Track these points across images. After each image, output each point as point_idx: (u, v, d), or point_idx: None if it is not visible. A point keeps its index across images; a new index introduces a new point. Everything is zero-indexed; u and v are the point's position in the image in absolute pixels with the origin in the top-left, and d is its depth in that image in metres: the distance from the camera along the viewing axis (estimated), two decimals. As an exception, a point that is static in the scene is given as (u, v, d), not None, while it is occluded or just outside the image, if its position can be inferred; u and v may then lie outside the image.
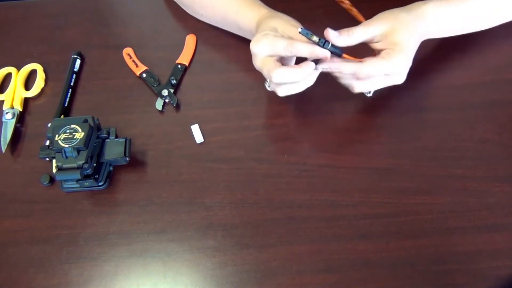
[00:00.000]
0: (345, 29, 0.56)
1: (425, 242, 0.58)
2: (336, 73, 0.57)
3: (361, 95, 0.63)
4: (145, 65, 0.73)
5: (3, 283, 0.58)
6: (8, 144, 0.67)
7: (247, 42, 0.67)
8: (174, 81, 0.71)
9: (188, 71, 0.73)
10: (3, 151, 0.67)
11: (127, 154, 0.61)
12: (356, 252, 0.58)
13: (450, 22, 0.63)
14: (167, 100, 0.69)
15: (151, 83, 0.71)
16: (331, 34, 0.54)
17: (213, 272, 0.58)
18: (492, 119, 0.66)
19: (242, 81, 0.71)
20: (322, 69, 0.56)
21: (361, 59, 0.55)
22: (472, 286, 0.55)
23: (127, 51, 0.74)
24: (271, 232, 0.60)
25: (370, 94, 0.60)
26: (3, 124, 0.68)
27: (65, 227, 0.61)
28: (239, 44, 0.72)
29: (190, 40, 0.75)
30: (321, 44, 0.53)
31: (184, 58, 0.73)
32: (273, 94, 0.70)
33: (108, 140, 0.63)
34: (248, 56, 0.68)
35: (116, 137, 0.64)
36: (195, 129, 0.67)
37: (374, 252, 0.58)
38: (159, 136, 0.67)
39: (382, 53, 0.56)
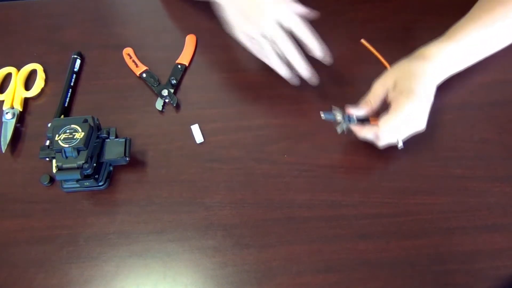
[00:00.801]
0: (363, 101, 0.60)
1: (425, 242, 0.58)
2: (362, 137, 0.61)
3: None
4: (145, 65, 0.73)
5: (3, 283, 0.58)
6: (8, 144, 0.67)
7: (247, 42, 0.68)
8: (174, 81, 0.71)
9: (188, 71, 0.73)
10: (3, 151, 0.67)
11: (127, 154, 0.61)
12: (356, 252, 0.58)
13: (457, 56, 0.63)
14: (167, 100, 0.69)
15: (151, 83, 0.71)
16: (352, 110, 0.59)
17: (213, 272, 0.58)
18: (492, 119, 0.66)
19: (242, 81, 0.71)
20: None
21: (379, 122, 0.57)
22: (472, 286, 0.55)
23: (127, 51, 0.74)
24: (271, 232, 0.60)
25: (400, 145, 0.60)
26: (3, 124, 0.68)
27: (65, 227, 0.61)
28: (239, 44, 0.72)
29: (190, 40, 0.75)
30: (347, 121, 0.59)
31: (184, 58, 0.73)
32: (273, 94, 0.70)
33: (108, 140, 0.63)
34: (248, 56, 0.68)
35: (116, 137, 0.64)
36: (195, 129, 0.67)
37: (374, 252, 0.58)
38: (159, 136, 0.67)
39: (392, 104, 0.58)
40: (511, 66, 0.66)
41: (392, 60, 0.72)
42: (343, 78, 0.70)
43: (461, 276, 0.56)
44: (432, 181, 0.62)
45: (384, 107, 0.60)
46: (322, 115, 0.58)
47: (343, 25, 0.75)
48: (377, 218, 0.60)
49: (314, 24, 0.76)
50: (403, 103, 0.57)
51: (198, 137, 0.66)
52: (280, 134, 0.66)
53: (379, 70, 0.68)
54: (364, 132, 0.59)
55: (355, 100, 0.64)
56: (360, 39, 0.70)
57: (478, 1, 0.66)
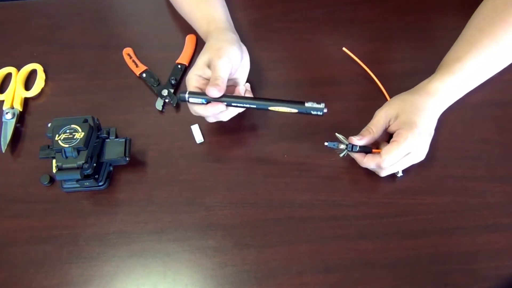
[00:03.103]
0: (364, 130, 0.61)
1: (425, 242, 0.58)
2: (364, 166, 0.61)
3: (364, 95, 0.63)
4: (145, 65, 0.73)
5: (3, 283, 0.58)
6: (8, 144, 0.67)
7: (246, 42, 0.67)
8: (174, 81, 0.71)
9: (188, 71, 0.73)
10: (3, 151, 0.67)
11: (127, 154, 0.61)
12: (356, 252, 0.58)
13: (460, 87, 0.63)
14: (167, 100, 0.69)
15: (151, 83, 0.71)
16: (355, 141, 0.59)
17: (213, 272, 0.58)
18: (492, 119, 0.66)
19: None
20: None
21: (381, 152, 0.58)
22: (472, 286, 0.55)
23: (127, 51, 0.74)
24: (271, 232, 0.60)
25: (400, 174, 0.61)
26: (3, 124, 0.68)
27: (65, 227, 0.61)
28: (239, 44, 0.72)
29: (190, 40, 0.75)
30: (350, 149, 0.59)
31: (184, 58, 0.73)
32: (272, 94, 0.70)
33: (108, 140, 0.63)
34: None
35: (116, 137, 0.64)
36: (195, 129, 0.67)
37: (374, 252, 0.58)
38: (159, 136, 0.67)
39: (394, 135, 0.59)
40: (511, 66, 0.65)
41: (392, 60, 0.72)
42: (343, 78, 0.70)
43: (461, 276, 0.56)
44: (432, 181, 0.62)
45: (383, 137, 0.61)
46: (326, 143, 0.60)
47: (343, 25, 0.75)
48: (377, 218, 0.60)
49: (314, 24, 0.76)
50: (406, 135, 0.57)
51: (198, 137, 0.66)
52: (280, 134, 0.66)
53: (379, 70, 0.68)
54: (366, 161, 0.59)
55: (356, 98, 0.64)
56: (360, 39, 0.70)
57: (474, 19, 0.66)
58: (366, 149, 0.59)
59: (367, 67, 0.68)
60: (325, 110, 0.57)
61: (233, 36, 0.64)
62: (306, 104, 0.58)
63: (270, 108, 0.59)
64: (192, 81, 0.61)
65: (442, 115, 0.64)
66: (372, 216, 0.60)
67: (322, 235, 0.59)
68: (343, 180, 0.63)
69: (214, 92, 0.58)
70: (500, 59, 0.64)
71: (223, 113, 0.61)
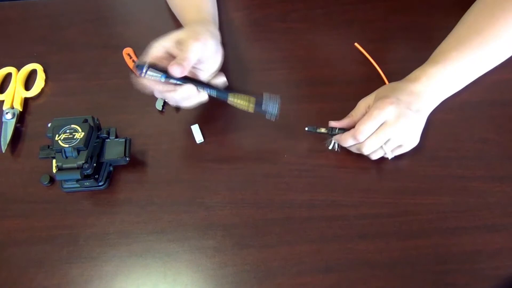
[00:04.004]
0: (346, 117, 0.63)
1: (425, 242, 0.58)
2: (344, 145, 0.61)
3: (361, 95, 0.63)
4: (145, 65, 0.73)
5: (3, 283, 0.58)
6: (8, 144, 0.67)
7: (246, 42, 0.67)
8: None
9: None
10: (3, 151, 0.67)
11: (127, 154, 0.61)
12: (356, 252, 0.58)
13: (441, 79, 0.62)
14: (167, 100, 0.69)
15: (151, 83, 0.71)
16: (333, 123, 0.62)
17: (213, 272, 0.58)
18: (492, 119, 0.66)
19: (242, 81, 0.71)
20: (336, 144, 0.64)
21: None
22: (472, 286, 0.55)
23: (127, 51, 0.74)
24: (271, 232, 0.60)
25: (390, 157, 0.61)
26: (3, 124, 0.68)
27: (65, 227, 0.61)
28: (238, 44, 0.72)
29: (190, 40, 0.75)
30: (330, 132, 0.61)
31: (184, 58, 0.73)
32: (272, 93, 0.70)
33: (108, 140, 0.63)
34: (247, 56, 0.68)
35: (116, 137, 0.64)
36: (195, 129, 0.67)
37: (374, 252, 0.58)
38: (159, 136, 0.67)
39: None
40: (511, 66, 0.65)
41: (392, 60, 0.72)
42: (343, 78, 0.70)
43: (461, 276, 0.56)
44: (432, 181, 0.62)
45: None
46: (306, 128, 0.62)
47: (343, 25, 0.75)
48: (377, 218, 0.60)
49: (315, 24, 0.76)
50: (376, 105, 0.58)
51: (198, 137, 0.66)
52: (280, 134, 0.66)
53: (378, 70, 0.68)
54: (344, 137, 0.60)
55: (356, 98, 0.64)
56: (360, 39, 0.70)
57: (467, 16, 0.65)
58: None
59: (367, 67, 0.68)
60: (276, 110, 0.59)
61: (217, 33, 0.64)
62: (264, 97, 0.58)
63: (229, 97, 0.59)
64: (155, 50, 0.58)
65: (443, 115, 0.64)
66: (372, 216, 0.60)
67: (322, 235, 0.59)
68: (343, 180, 0.63)
69: (177, 71, 0.55)
70: (490, 58, 0.64)
71: (190, 99, 0.59)
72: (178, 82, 0.57)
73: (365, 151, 0.59)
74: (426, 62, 0.64)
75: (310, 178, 0.63)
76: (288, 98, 0.69)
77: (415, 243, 0.58)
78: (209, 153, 0.66)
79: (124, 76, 0.72)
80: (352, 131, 0.59)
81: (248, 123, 0.67)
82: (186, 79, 0.58)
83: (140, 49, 0.74)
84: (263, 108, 0.59)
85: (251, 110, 0.59)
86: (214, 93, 0.60)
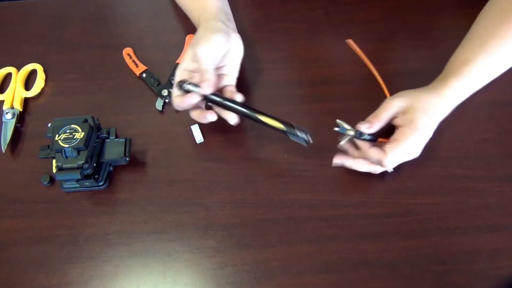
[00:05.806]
0: (372, 116, 0.60)
1: (425, 242, 0.58)
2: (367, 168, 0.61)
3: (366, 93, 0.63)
4: (145, 65, 0.73)
5: (3, 283, 0.58)
6: (8, 144, 0.67)
7: (246, 42, 0.67)
8: (174, 81, 0.71)
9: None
10: (3, 151, 0.67)
11: (127, 154, 0.61)
12: (356, 252, 0.58)
13: (468, 92, 0.63)
14: (167, 100, 0.69)
15: (151, 83, 0.71)
16: (363, 127, 0.58)
17: (213, 272, 0.58)
18: (492, 119, 0.66)
19: (242, 80, 0.71)
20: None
21: (385, 149, 0.58)
22: (472, 286, 0.55)
23: (127, 51, 0.74)
24: (271, 232, 0.60)
25: (391, 171, 0.61)
26: (3, 124, 0.68)
27: (65, 227, 0.61)
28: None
29: (190, 40, 0.75)
30: (358, 136, 0.58)
31: (184, 58, 0.73)
32: (272, 94, 0.70)
33: (108, 140, 0.63)
34: (247, 56, 0.68)
35: (116, 137, 0.64)
36: (195, 129, 0.67)
37: (374, 252, 0.58)
38: (159, 136, 0.67)
39: (398, 133, 0.59)
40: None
41: (392, 60, 0.72)
42: (343, 78, 0.70)
43: (461, 276, 0.56)
44: (432, 181, 0.62)
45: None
46: (336, 128, 0.58)
47: (343, 25, 0.75)
48: (377, 218, 0.60)
49: (315, 25, 0.76)
50: (410, 135, 0.57)
51: (198, 137, 0.66)
52: (280, 134, 0.66)
53: (379, 70, 0.68)
54: (371, 152, 0.58)
55: (356, 98, 0.64)
56: (360, 39, 0.70)
57: (481, 19, 0.65)
58: (372, 137, 0.59)
59: (368, 67, 0.68)
60: (310, 141, 0.59)
61: (220, 25, 0.63)
62: (296, 130, 0.59)
63: (259, 117, 0.60)
64: (180, 75, 0.62)
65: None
66: (372, 216, 0.60)
67: (322, 235, 0.59)
68: (343, 180, 0.63)
69: (205, 88, 0.59)
70: (508, 60, 0.63)
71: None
72: (217, 99, 0.61)
73: (387, 166, 0.59)
74: (456, 74, 0.62)
75: (310, 178, 0.63)
76: (288, 98, 0.70)
77: (415, 243, 0.58)
78: (209, 153, 0.66)
79: (124, 76, 0.72)
80: (381, 154, 0.57)
81: (248, 123, 0.67)
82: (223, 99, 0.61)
83: (140, 49, 0.75)
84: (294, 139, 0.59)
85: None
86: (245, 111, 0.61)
